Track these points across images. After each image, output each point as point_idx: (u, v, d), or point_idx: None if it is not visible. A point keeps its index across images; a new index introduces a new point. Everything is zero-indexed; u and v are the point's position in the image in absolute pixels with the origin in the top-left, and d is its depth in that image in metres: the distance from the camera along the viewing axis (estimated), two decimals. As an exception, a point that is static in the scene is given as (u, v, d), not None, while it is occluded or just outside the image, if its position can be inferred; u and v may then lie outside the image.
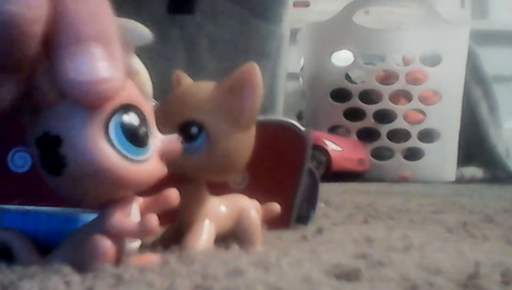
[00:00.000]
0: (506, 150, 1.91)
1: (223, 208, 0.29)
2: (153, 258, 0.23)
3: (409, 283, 0.21)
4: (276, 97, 0.75)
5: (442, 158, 1.70)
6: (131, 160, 0.21)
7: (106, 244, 0.21)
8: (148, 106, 0.23)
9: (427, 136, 1.73)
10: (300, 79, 1.85)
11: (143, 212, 0.23)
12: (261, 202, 0.32)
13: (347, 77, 1.77)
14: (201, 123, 0.27)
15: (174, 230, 0.28)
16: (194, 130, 0.27)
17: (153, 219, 0.22)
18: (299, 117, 1.78)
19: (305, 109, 1.81)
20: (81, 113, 0.20)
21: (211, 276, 0.20)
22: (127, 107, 0.21)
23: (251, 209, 0.30)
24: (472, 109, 1.87)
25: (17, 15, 0.18)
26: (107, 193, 0.22)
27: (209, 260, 0.23)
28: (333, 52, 1.72)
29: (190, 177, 0.28)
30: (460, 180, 1.67)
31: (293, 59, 1.59)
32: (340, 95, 1.73)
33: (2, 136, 0.32)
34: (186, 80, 0.29)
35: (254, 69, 0.27)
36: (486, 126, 1.91)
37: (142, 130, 0.22)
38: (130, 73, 0.22)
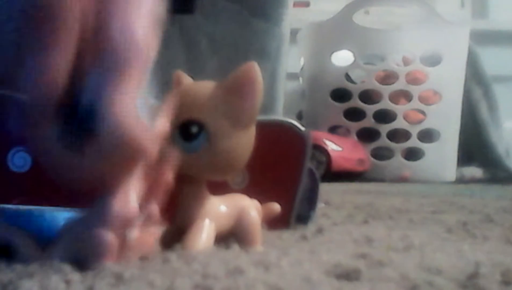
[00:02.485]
0: (506, 150, 1.91)
1: (223, 208, 0.29)
2: (151, 238, 0.23)
3: (409, 283, 0.21)
4: (276, 97, 0.75)
5: (442, 158, 1.70)
6: None
7: (109, 238, 0.21)
8: None
9: (427, 136, 1.73)
10: (300, 79, 1.85)
11: (141, 202, 0.23)
12: (261, 202, 0.32)
13: (347, 77, 1.77)
14: (201, 123, 0.27)
15: (174, 230, 0.28)
16: (194, 129, 0.27)
17: (153, 206, 0.22)
18: (299, 117, 1.78)
19: (305, 109, 1.81)
20: None
21: (211, 275, 0.20)
22: None
23: (251, 208, 0.30)
24: (472, 109, 1.87)
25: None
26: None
27: (210, 259, 0.23)
28: (333, 52, 1.72)
29: (190, 176, 0.28)
30: (460, 180, 1.67)
31: (293, 59, 1.59)
32: (340, 95, 1.72)
33: (2, 136, 0.32)
34: (186, 80, 0.30)
35: (254, 69, 0.27)
36: (486, 126, 1.91)
37: None
38: None
